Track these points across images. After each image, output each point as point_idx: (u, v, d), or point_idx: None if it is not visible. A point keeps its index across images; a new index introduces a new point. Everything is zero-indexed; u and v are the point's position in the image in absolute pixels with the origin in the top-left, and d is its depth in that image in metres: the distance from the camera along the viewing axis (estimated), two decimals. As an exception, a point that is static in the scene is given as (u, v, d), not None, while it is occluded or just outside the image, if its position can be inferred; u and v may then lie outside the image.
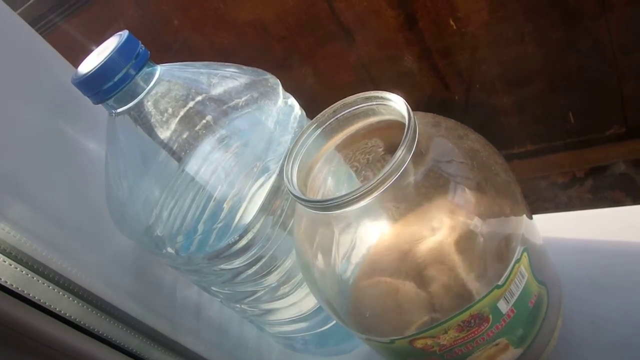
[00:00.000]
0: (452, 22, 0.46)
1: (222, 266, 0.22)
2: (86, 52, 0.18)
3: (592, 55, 0.44)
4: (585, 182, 0.53)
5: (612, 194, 0.52)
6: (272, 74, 0.23)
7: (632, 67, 0.43)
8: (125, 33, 0.18)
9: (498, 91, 0.50)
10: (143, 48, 0.18)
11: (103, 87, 0.17)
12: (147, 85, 0.18)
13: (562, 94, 0.47)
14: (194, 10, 0.53)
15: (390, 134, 0.18)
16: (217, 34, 0.54)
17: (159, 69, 0.19)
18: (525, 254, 0.16)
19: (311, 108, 0.24)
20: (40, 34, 0.26)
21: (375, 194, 0.14)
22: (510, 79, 0.48)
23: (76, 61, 0.26)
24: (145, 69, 0.18)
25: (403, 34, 0.48)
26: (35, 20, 0.57)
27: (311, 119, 0.23)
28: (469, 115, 0.52)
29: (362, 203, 0.14)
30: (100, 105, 0.19)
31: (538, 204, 0.55)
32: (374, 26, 0.49)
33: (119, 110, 0.18)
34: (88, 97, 0.18)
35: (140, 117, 0.19)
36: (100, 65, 0.17)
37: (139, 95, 0.18)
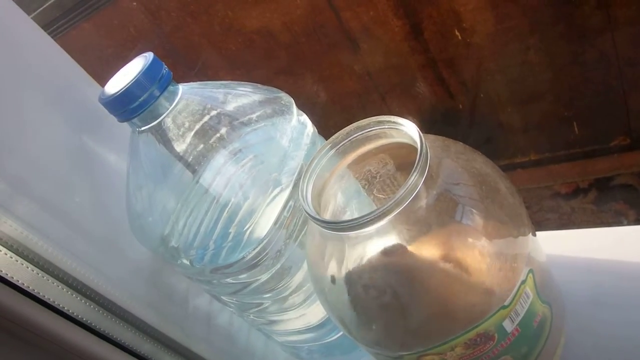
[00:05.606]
0: (457, 33, 0.47)
1: (231, 279, 0.22)
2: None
3: (597, 67, 0.44)
4: (589, 193, 0.53)
5: (616, 205, 0.52)
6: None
7: (638, 79, 0.44)
8: (150, 55, 0.18)
9: (502, 101, 0.51)
10: (166, 69, 0.19)
11: (129, 107, 0.18)
12: (170, 105, 0.19)
13: (567, 105, 0.48)
14: (202, 18, 0.54)
15: (399, 153, 0.18)
16: (224, 41, 0.55)
17: (181, 89, 0.20)
18: (530, 275, 0.17)
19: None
20: (52, 38, 0.26)
21: (389, 216, 0.14)
22: (515, 89, 0.49)
23: (88, 66, 0.27)
24: (168, 89, 0.19)
25: (408, 44, 0.49)
26: (47, 25, 0.58)
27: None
28: (473, 126, 0.53)
29: (376, 225, 0.14)
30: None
31: (541, 214, 0.55)
32: (379, 35, 0.49)
33: (142, 128, 0.19)
34: (114, 115, 0.19)
35: (161, 134, 0.20)
36: (127, 87, 0.17)
37: (161, 115, 0.19)
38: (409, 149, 0.16)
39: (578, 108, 0.48)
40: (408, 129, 0.16)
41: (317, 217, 0.16)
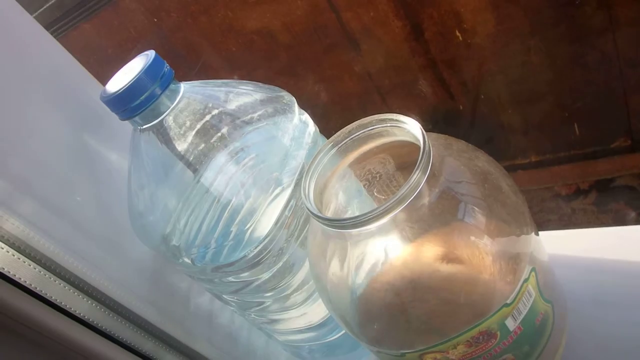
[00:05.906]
0: (458, 33, 0.47)
1: (232, 278, 0.22)
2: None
3: (598, 68, 0.44)
4: (590, 194, 0.53)
5: (617, 206, 0.52)
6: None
7: (639, 80, 0.44)
8: (152, 53, 0.18)
9: (503, 102, 0.51)
10: (168, 67, 0.19)
11: (130, 105, 0.18)
12: (172, 104, 0.19)
13: (568, 106, 0.48)
14: (202, 18, 0.54)
15: (400, 152, 0.18)
16: (224, 42, 0.55)
17: (182, 87, 0.20)
18: (533, 273, 0.17)
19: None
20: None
21: (392, 214, 0.14)
22: (515, 90, 0.49)
23: (88, 66, 0.27)
24: (170, 87, 0.19)
25: (409, 45, 0.49)
26: (47, 26, 0.58)
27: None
28: (473, 126, 0.53)
29: (379, 223, 0.15)
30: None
31: (541, 216, 0.55)
32: (380, 36, 0.49)
33: (144, 126, 0.19)
34: (116, 113, 0.19)
35: (162, 132, 0.20)
36: (129, 85, 0.17)
37: (163, 114, 0.19)
38: (411, 147, 0.16)
39: (579, 109, 0.48)
40: (410, 127, 0.16)
41: (320, 214, 0.16)
